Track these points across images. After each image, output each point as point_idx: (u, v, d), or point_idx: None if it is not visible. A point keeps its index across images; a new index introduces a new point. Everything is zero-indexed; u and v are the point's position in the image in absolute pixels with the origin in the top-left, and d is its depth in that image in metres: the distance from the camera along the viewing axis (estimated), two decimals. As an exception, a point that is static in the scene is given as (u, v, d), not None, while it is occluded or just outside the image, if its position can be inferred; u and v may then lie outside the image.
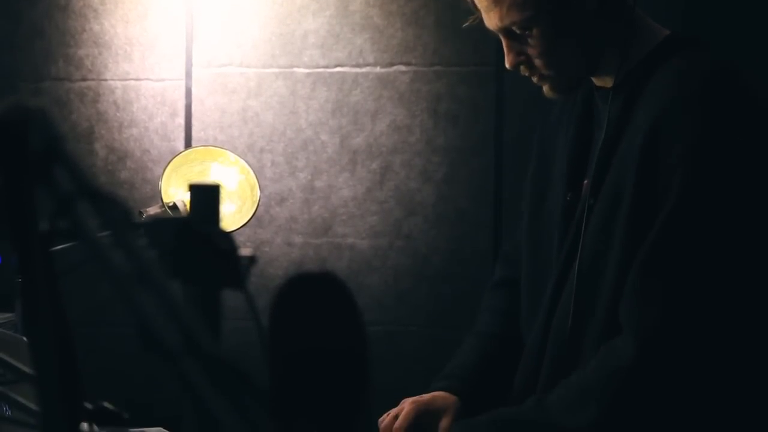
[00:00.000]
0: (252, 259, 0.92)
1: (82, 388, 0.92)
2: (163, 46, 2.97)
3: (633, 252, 1.61)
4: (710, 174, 1.59)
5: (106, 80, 2.99)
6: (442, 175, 2.89)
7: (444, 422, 1.83)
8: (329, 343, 0.86)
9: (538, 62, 1.70)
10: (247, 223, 2.29)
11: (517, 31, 1.68)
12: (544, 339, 1.74)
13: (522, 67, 1.72)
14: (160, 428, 2.00)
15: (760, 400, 1.65)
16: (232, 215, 2.27)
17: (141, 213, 2.21)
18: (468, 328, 2.00)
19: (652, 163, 1.60)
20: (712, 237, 1.58)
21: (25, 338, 0.86)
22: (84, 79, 3.00)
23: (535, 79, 1.74)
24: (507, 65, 1.73)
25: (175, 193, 2.22)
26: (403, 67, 2.90)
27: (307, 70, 2.93)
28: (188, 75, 2.97)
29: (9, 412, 1.38)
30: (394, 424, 1.83)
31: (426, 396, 1.87)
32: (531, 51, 1.69)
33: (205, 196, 0.93)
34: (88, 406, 0.97)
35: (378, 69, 2.91)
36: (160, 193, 2.20)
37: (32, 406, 1.21)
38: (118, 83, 2.99)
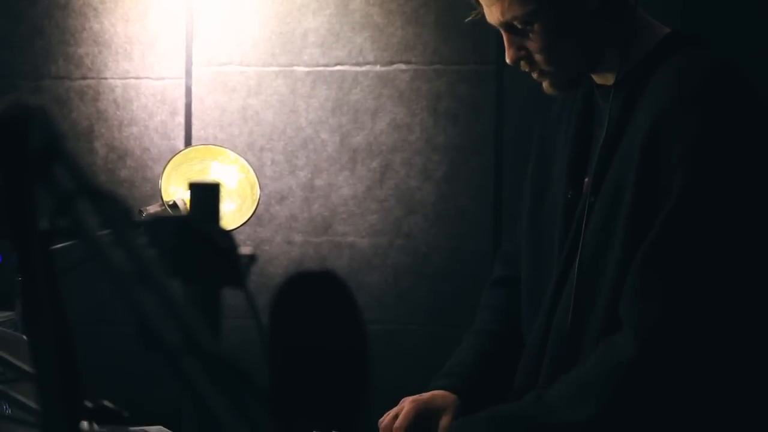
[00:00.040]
0: (252, 258, 0.92)
1: (82, 386, 0.92)
2: (163, 45, 2.97)
3: (633, 250, 1.61)
4: (711, 172, 1.59)
5: (106, 79, 2.99)
6: (442, 173, 2.89)
7: (444, 421, 1.83)
8: (329, 342, 0.86)
9: (538, 58, 1.70)
10: (247, 221, 2.29)
11: (519, 26, 1.68)
12: (545, 338, 1.75)
13: (522, 63, 1.72)
14: (161, 426, 2.00)
15: (759, 396, 1.65)
16: (232, 214, 2.27)
17: (141, 211, 2.21)
18: (468, 326, 2.00)
19: (653, 162, 1.60)
20: (713, 235, 1.58)
21: (25, 337, 0.86)
22: (84, 78, 3.00)
23: (535, 75, 1.74)
24: (507, 60, 1.73)
25: (175, 191, 2.22)
26: (403, 66, 2.90)
27: (307, 69, 2.93)
28: (188, 73, 2.97)
29: (9, 411, 1.38)
30: (394, 423, 1.83)
31: (426, 395, 1.87)
32: (532, 46, 1.69)
33: (205, 194, 0.93)
34: (88, 404, 0.97)
35: (378, 67, 2.91)
36: (160, 191, 2.21)
37: (32, 404, 1.21)
38: (118, 82, 2.99)
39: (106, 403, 0.99)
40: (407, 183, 2.90)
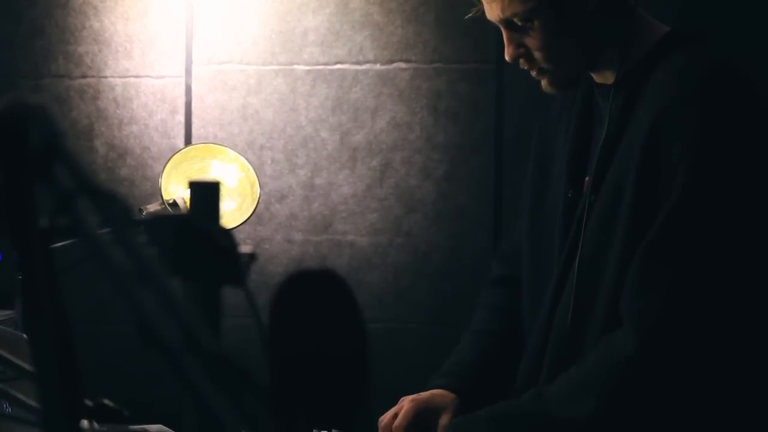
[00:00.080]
0: (252, 257, 0.92)
1: (83, 385, 0.92)
2: (163, 44, 2.97)
3: (633, 250, 1.61)
4: (711, 170, 1.59)
5: (106, 77, 2.99)
6: (442, 172, 2.89)
7: (443, 419, 1.83)
8: (329, 341, 0.86)
9: (537, 55, 1.70)
10: (247, 220, 2.29)
11: (519, 23, 1.68)
12: (545, 337, 1.75)
13: (521, 60, 1.72)
14: (160, 425, 2.00)
15: (759, 393, 1.65)
16: (232, 212, 2.27)
17: (141, 210, 2.21)
18: (468, 325, 2.00)
19: (654, 161, 1.60)
20: (713, 232, 1.59)
21: (25, 335, 0.86)
22: (84, 76, 3.00)
23: (534, 73, 1.74)
24: (507, 57, 1.73)
25: (175, 190, 2.22)
26: (403, 64, 2.90)
27: (307, 68, 2.93)
28: (188, 72, 2.96)
29: (9, 409, 1.38)
30: (393, 422, 1.83)
31: (425, 394, 1.87)
32: (531, 43, 1.69)
33: (205, 193, 0.93)
34: (89, 403, 0.97)
35: (378, 66, 2.91)
36: (160, 190, 2.20)
37: (32, 403, 1.21)
38: (118, 80, 2.99)
39: (106, 401, 0.99)
40: (407, 182, 2.90)
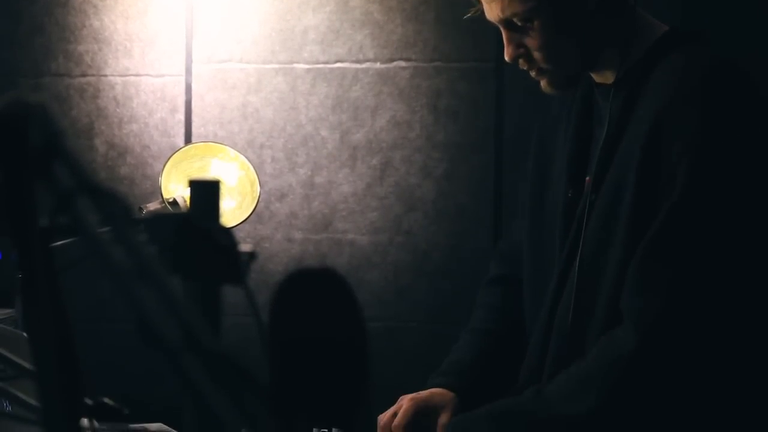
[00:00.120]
0: (252, 255, 0.92)
1: (83, 383, 0.92)
2: (163, 42, 2.97)
3: (633, 249, 1.61)
4: (712, 168, 1.59)
5: (105, 76, 2.99)
6: (442, 171, 2.89)
7: (443, 418, 1.83)
8: (329, 339, 0.86)
9: (537, 55, 1.70)
10: (247, 219, 2.29)
11: (518, 23, 1.68)
12: (547, 337, 1.75)
13: (521, 61, 1.72)
14: (160, 424, 2.00)
15: (759, 391, 1.65)
16: (232, 211, 2.27)
17: (141, 209, 2.21)
18: (467, 324, 2.01)
19: (654, 160, 1.60)
20: (714, 229, 1.59)
21: (25, 334, 0.86)
22: (84, 75, 3.00)
23: (533, 73, 1.74)
24: (506, 57, 1.73)
25: (175, 188, 2.22)
26: (403, 63, 2.90)
27: (307, 66, 2.93)
28: (188, 71, 2.96)
29: (9, 408, 1.38)
30: (392, 421, 1.84)
31: (424, 393, 1.87)
32: (531, 44, 1.69)
33: (205, 191, 0.93)
34: (89, 401, 0.97)
35: (378, 65, 2.91)
36: (160, 188, 2.20)
37: (32, 401, 1.21)
38: (118, 79, 2.99)
39: (107, 400, 0.99)
40: (407, 180, 2.90)
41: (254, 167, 2.32)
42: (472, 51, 2.86)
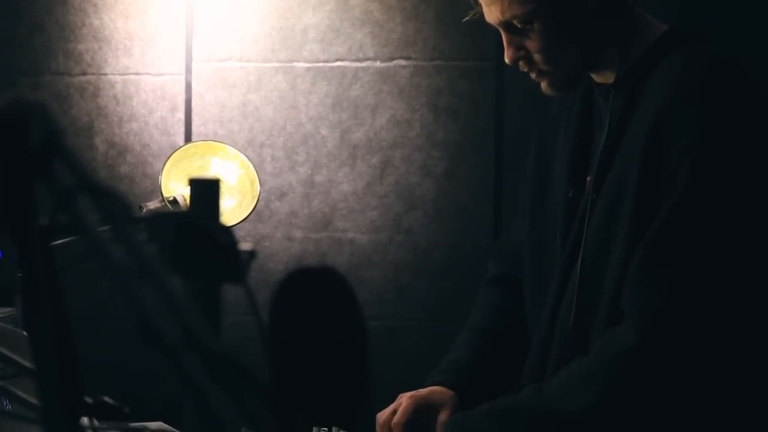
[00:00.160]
0: (252, 254, 0.92)
1: (82, 382, 0.92)
2: (163, 41, 2.97)
3: (635, 248, 1.61)
4: (714, 165, 1.59)
5: (106, 75, 2.99)
6: (442, 169, 2.89)
7: (443, 416, 1.83)
8: (329, 338, 0.86)
9: (537, 57, 1.70)
10: (247, 217, 2.29)
11: (518, 25, 1.68)
12: (549, 336, 1.75)
13: (521, 63, 1.72)
14: (160, 422, 2.00)
15: (759, 389, 1.66)
16: (232, 210, 2.27)
17: (141, 207, 2.21)
18: (466, 323, 2.01)
19: (655, 159, 1.60)
20: (716, 227, 1.59)
21: (25, 333, 0.86)
22: (84, 74, 3.00)
23: (533, 75, 1.74)
24: (506, 60, 1.73)
25: (175, 187, 2.22)
26: (403, 62, 2.90)
27: (307, 65, 2.93)
28: (188, 69, 2.96)
29: (9, 407, 1.38)
30: (392, 419, 1.84)
31: (423, 391, 1.87)
32: (531, 46, 1.69)
33: (205, 190, 0.93)
34: (89, 400, 0.97)
35: (378, 63, 2.91)
36: (160, 187, 2.20)
37: (32, 400, 1.21)
38: (118, 78, 2.99)
39: (106, 399, 0.99)
40: (407, 179, 2.90)
41: (254, 166, 2.31)
42: (472, 50, 2.86)
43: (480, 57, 2.85)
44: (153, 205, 2.22)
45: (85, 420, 0.97)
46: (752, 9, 2.68)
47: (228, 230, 0.91)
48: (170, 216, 0.92)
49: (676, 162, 1.59)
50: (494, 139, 2.86)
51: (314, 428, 1.81)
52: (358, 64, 2.91)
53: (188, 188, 1.12)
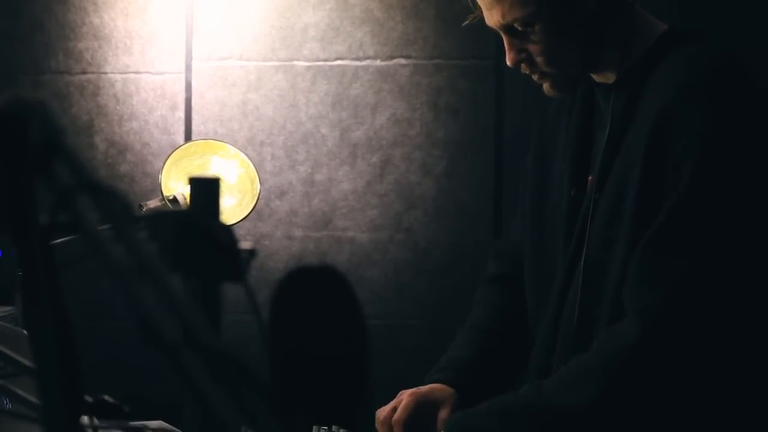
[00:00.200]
0: (252, 253, 0.92)
1: (83, 381, 0.92)
2: (163, 40, 2.97)
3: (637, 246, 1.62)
4: (718, 163, 1.59)
5: (106, 73, 2.99)
6: (443, 168, 2.89)
7: (443, 413, 1.83)
8: (329, 337, 0.86)
9: (539, 59, 1.70)
10: (247, 216, 2.29)
11: (519, 28, 1.68)
12: (554, 336, 1.75)
13: (523, 65, 1.72)
14: (160, 421, 2.00)
15: (761, 385, 1.66)
16: (232, 208, 2.27)
17: (141, 206, 2.21)
18: (466, 321, 2.01)
19: (658, 157, 1.61)
20: (719, 224, 1.59)
21: (25, 331, 0.86)
22: (84, 72, 2.99)
23: (535, 77, 1.74)
24: (508, 63, 1.73)
25: (175, 186, 2.22)
26: (403, 61, 2.90)
27: (307, 64, 2.93)
28: (188, 68, 2.96)
29: (9, 405, 1.38)
30: (392, 416, 1.83)
31: (424, 388, 1.87)
32: (532, 48, 1.69)
33: (205, 189, 0.93)
34: (89, 399, 0.97)
35: (378, 62, 2.90)
36: (160, 186, 2.20)
37: (32, 399, 1.21)
38: (118, 76, 2.99)
39: (107, 397, 0.99)
40: (407, 178, 2.90)
41: (254, 165, 2.31)
42: (472, 48, 2.86)
43: (480, 56, 2.85)
44: (153, 203, 2.21)
45: (85, 419, 0.97)
46: (752, 9, 2.68)
47: (228, 229, 0.91)
48: (170, 215, 0.92)
49: (678, 161, 1.59)
50: (494, 138, 2.86)
51: (314, 427, 1.80)
52: (358, 63, 2.91)
53: (188, 187, 1.12)
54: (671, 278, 1.58)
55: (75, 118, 2.97)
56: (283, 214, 2.94)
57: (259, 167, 2.43)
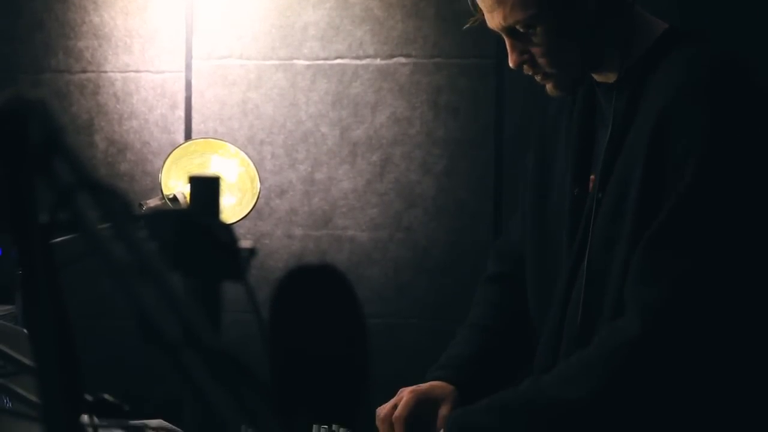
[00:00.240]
0: (252, 252, 0.92)
1: (83, 380, 0.92)
2: (163, 38, 2.97)
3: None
4: (720, 161, 1.60)
5: (106, 72, 2.99)
6: (442, 167, 2.89)
7: (443, 410, 1.83)
8: (329, 336, 0.86)
9: (541, 61, 1.70)
10: (247, 215, 2.29)
11: (521, 30, 1.68)
12: (558, 336, 1.75)
13: (525, 66, 1.73)
14: (160, 420, 2.00)
15: (761, 381, 1.66)
16: (232, 207, 2.27)
17: (141, 205, 2.21)
18: (465, 320, 2.01)
19: (660, 156, 1.61)
20: (721, 222, 1.59)
21: (25, 330, 0.86)
22: (84, 71, 2.99)
23: (538, 78, 1.74)
24: (511, 65, 1.73)
25: (176, 185, 2.22)
26: (403, 59, 2.90)
27: (307, 62, 2.93)
28: (188, 67, 2.96)
29: (9, 404, 1.38)
30: (393, 413, 1.84)
31: (424, 385, 1.87)
32: (534, 50, 1.70)
33: (206, 188, 0.93)
34: (89, 398, 0.97)
35: (378, 61, 2.90)
36: (161, 185, 2.21)
37: (32, 397, 1.21)
38: (118, 75, 2.99)
39: (107, 396, 0.99)
40: (407, 177, 2.90)
41: (254, 163, 2.32)
42: (472, 47, 2.86)
43: (480, 54, 2.85)
44: (153, 202, 2.22)
45: (85, 418, 0.97)
46: (752, 9, 2.68)
47: (228, 228, 0.91)
48: (170, 213, 0.92)
49: (679, 160, 1.59)
50: (494, 137, 2.86)
51: (314, 426, 1.80)
52: (358, 62, 2.91)
53: (188, 186, 1.12)
54: (672, 277, 1.58)
55: (75, 117, 2.97)
56: (283, 212, 2.94)
57: (259, 166, 2.43)
